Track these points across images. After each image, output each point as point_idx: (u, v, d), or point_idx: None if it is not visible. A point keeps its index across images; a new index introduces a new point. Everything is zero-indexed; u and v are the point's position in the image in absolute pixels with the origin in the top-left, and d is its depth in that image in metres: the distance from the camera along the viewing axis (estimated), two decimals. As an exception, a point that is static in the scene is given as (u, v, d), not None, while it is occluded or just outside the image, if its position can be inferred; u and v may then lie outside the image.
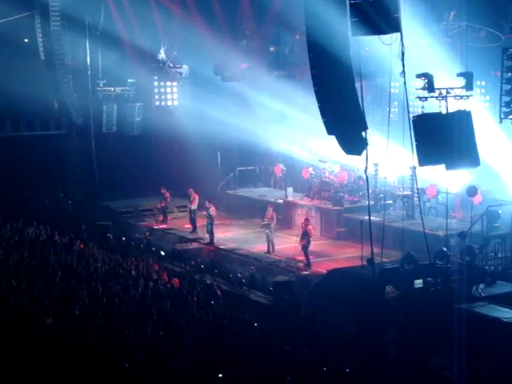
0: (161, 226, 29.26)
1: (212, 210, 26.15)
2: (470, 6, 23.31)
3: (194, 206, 27.90)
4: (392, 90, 21.80)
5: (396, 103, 26.40)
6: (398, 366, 15.36)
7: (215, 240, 26.09)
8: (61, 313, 16.09)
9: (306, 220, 23.47)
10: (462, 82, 18.23)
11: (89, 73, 34.53)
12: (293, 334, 17.34)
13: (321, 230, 26.54)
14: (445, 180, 20.94)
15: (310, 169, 29.85)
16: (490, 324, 16.01)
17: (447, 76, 20.01)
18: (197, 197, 27.98)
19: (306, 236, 22.55)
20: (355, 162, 24.98)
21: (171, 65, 32.19)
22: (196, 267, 24.08)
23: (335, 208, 26.88)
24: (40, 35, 32.85)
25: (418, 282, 18.31)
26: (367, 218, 18.35)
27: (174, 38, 32.43)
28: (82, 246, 23.76)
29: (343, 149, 18.28)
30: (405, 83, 17.03)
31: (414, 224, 23.14)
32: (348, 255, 22.87)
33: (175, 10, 32.32)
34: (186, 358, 13.88)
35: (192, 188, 28.57)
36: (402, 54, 16.55)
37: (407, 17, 21.35)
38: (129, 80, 35.96)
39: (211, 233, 26.07)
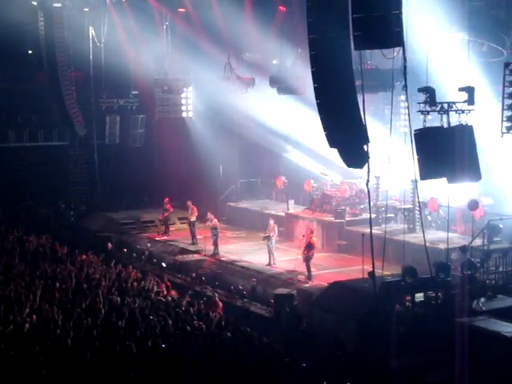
0: (162, 238, 29.28)
1: (214, 222, 26.20)
2: (472, 20, 23.40)
3: (193, 218, 27.94)
4: (394, 104, 21.84)
5: (398, 117, 26.47)
6: (398, 379, 15.35)
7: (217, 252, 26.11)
8: (61, 324, 16.11)
9: (311, 231, 23.42)
10: (464, 96, 18.27)
11: (92, 84, 34.67)
12: (293, 347, 17.34)
13: (322, 242, 26.50)
14: (447, 194, 20.94)
15: (312, 181, 29.89)
16: (491, 338, 15.97)
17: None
18: (195, 208, 28.04)
19: (310, 248, 22.51)
20: (360, 174, 24.99)
21: (174, 77, 32.25)
22: (197, 279, 24.09)
23: (336, 221, 26.88)
24: (44, 47, 33.03)
25: (419, 296, 18.30)
26: (368, 231, 18.36)
27: (177, 50, 32.56)
28: (84, 257, 23.80)
29: (345, 162, 18.31)
30: (407, 97, 17.09)
31: (415, 237, 23.14)
32: (349, 268, 22.83)
33: (178, 22, 32.48)
34: (187, 370, 13.89)
35: (190, 200, 28.61)
36: (404, 68, 16.61)
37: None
38: (132, 92, 36.13)
39: (216, 244, 26.08)
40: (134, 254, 27.53)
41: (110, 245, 26.98)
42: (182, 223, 30.53)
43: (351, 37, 16.61)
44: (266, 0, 29.57)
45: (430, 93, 18.03)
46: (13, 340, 15.07)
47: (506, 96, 19.71)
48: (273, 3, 29.66)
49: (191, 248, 27.30)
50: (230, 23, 29.51)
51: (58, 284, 19.48)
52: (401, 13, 16.09)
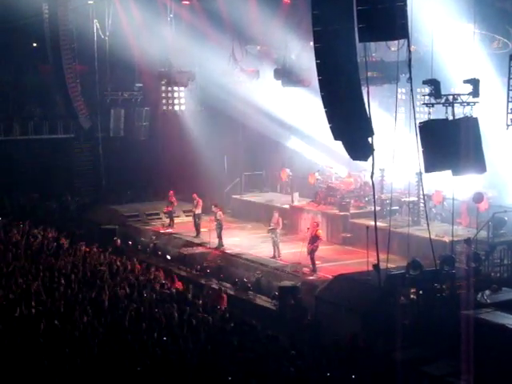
0: (167, 231, 29.31)
1: (219, 215, 26.19)
2: (478, 12, 23.32)
3: (198, 211, 27.96)
4: (399, 96, 21.84)
5: (403, 109, 26.42)
6: (403, 372, 15.35)
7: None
8: (66, 316, 16.16)
9: (316, 224, 23.39)
10: (468, 88, 18.22)
11: (96, 77, 34.66)
12: (298, 339, 17.35)
13: (327, 235, 26.44)
14: (452, 186, 20.93)
15: (317, 174, 29.84)
16: (496, 331, 15.96)
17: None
18: (200, 201, 28.06)
19: (315, 240, 22.48)
20: (364, 167, 24.96)
21: (179, 69, 32.24)
22: (202, 271, 24.12)
23: (341, 213, 26.86)
24: (49, 39, 33.03)
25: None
26: (373, 223, 18.36)
27: (182, 43, 32.51)
28: (88, 249, 23.83)
29: (349, 154, 18.30)
30: (411, 89, 17.05)
31: (419, 230, 23.13)
32: (354, 261, 22.84)
33: (183, 15, 32.42)
34: (192, 362, 13.91)
35: (196, 192, 28.63)
36: (409, 60, 16.57)
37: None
38: (136, 84, 36.11)
39: (220, 237, 26.08)
40: (139, 247, 27.57)
41: (118, 241, 26.84)
42: (186, 216, 30.55)
43: (356, 29, 16.59)
44: (271, -8, 29.53)
45: (434, 85, 17.99)
46: (18, 333, 15.11)
47: (510, 88, 19.66)
48: (278, -5, 29.61)
49: (196, 241, 27.32)
50: (234, 15, 29.46)
51: (63, 277, 19.51)
52: (405, 5, 16.08)
